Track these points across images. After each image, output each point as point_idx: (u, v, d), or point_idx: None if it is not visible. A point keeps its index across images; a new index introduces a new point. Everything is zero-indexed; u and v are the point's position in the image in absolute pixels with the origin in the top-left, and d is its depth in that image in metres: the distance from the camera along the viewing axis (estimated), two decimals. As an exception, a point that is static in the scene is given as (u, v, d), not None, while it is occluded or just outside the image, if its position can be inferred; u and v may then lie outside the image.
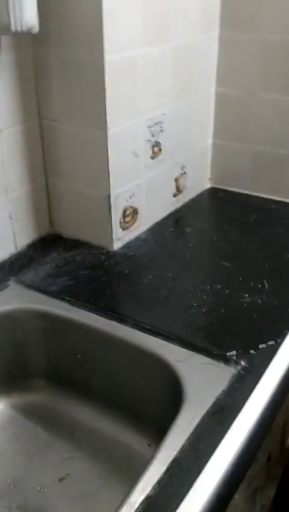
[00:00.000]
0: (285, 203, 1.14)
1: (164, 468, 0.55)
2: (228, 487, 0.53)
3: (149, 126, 0.95)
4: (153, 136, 0.97)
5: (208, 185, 1.23)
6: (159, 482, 0.53)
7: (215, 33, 1.07)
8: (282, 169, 1.12)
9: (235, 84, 1.10)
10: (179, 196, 1.12)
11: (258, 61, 1.05)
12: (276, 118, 1.08)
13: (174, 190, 1.10)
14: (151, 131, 0.96)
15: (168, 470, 0.54)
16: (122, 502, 0.51)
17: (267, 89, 1.07)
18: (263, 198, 1.16)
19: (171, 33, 0.93)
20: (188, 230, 1.05)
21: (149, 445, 0.75)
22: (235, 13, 1.04)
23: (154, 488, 0.53)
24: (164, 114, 0.98)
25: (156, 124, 0.96)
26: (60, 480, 0.74)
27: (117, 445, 0.78)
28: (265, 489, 1.27)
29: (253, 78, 1.07)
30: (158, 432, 0.65)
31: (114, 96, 0.83)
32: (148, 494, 0.52)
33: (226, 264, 0.91)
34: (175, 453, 0.57)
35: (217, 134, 1.17)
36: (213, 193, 1.21)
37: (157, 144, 0.98)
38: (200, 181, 1.20)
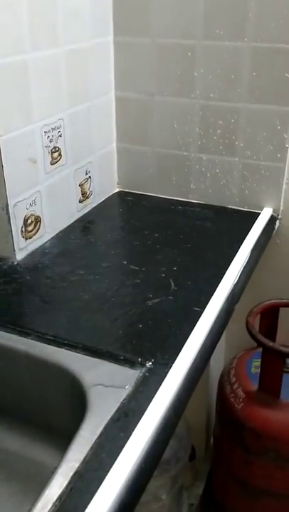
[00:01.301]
0: (191, 203, 1.15)
1: (65, 483, 0.53)
2: (132, 494, 0.52)
3: (46, 132, 0.93)
4: (51, 141, 0.95)
5: (116, 190, 1.22)
6: (60, 498, 0.51)
7: (109, 37, 1.07)
8: (186, 171, 1.13)
9: (134, 88, 1.10)
10: (86, 202, 1.11)
11: (153, 65, 1.06)
12: (175, 120, 1.10)
13: (80, 196, 1.08)
14: (48, 136, 0.93)
15: (69, 484, 0.52)
16: (20, 524, 0.49)
17: (164, 92, 1.08)
18: (171, 200, 1.17)
19: (62, 38, 0.92)
20: (96, 235, 1.04)
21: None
22: (127, 18, 1.05)
23: (54, 505, 0.50)
24: (62, 119, 0.96)
25: (53, 129, 0.94)
26: None
27: (28, 462, 0.75)
28: (193, 487, 1.28)
29: (149, 82, 1.08)
30: (69, 444, 0.62)
31: (4, 102, 0.81)
32: (48, 512, 0.50)
33: (134, 267, 0.91)
34: (77, 465, 0.55)
35: (120, 137, 1.17)
36: (121, 197, 1.21)
37: (56, 150, 0.96)
38: (107, 186, 1.19)
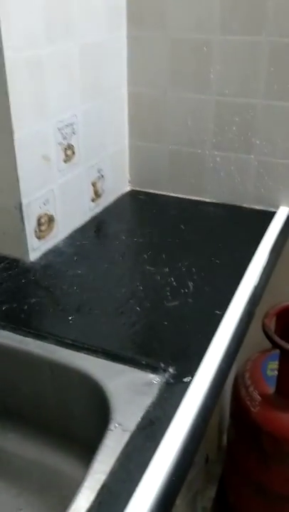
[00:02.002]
0: (205, 202, 1.13)
1: (92, 496, 0.50)
2: (163, 507, 0.50)
3: (59, 129, 0.90)
4: (65, 138, 0.92)
5: (128, 188, 1.20)
6: (88, 511, 0.49)
7: (123, 31, 1.04)
8: (200, 169, 1.11)
9: (147, 84, 1.08)
10: (98, 201, 1.08)
11: (168, 60, 1.04)
12: (189, 117, 1.07)
13: (92, 195, 1.06)
14: (62, 133, 0.91)
15: (97, 497, 0.50)
16: None
17: (178, 88, 1.05)
18: (183, 199, 1.15)
19: (76, 31, 0.89)
20: (109, 236, 1.01)
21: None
22: (141, 12, 1.02)
23: (82, 520, 0.48)
24: (75, 115, 0.94)
25: (67, 126, 0.92)
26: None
27: (47, 470, 0.73)
28: (206, 490, 1.26)
29: (163, 77, 1.06)
30: (90, 454, 0.60)
31: (18, 97, 0.78)
32: (76, 528, 0.48)
33: (151, 268, 0.88)
34: (104, 477, 0.52)
35: (133, 135, 1.15)
36: (133, 195, 1.18)
37: (70, 147, 0.94)
38: (119, 184, 1.17)
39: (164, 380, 0.64)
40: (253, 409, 1.02)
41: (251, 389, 1.05)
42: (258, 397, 1.03)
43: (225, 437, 1.24)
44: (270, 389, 1.03)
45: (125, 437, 0.57)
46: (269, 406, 1.01)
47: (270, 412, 1.00)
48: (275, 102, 0.99)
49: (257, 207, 1.09)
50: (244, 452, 1.09)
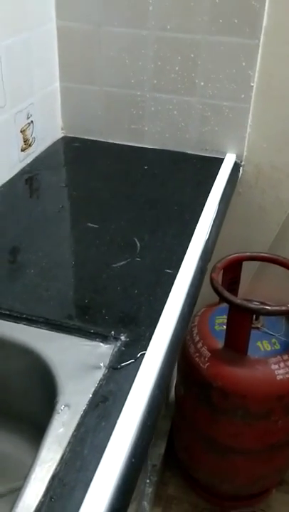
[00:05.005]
0: (146, 149, 1.05)
1: (42, 490, 0.44)
2: (123, 494, 0.45)
3: (-21, 66, 0.78)
4: (-14, 78, 0.80)
5: (60, 135, 1.09)
6: (37, 510, 0.43)
7: None
8: (139, 113, 1.02)
9: (78, 17, 0.95)
10: (28, 150, 0.97)
11: (101, -13, 0.92)
12: (126, 55, 0.97)
13: (22, 144, 0.94)
14: (-18, 71, 0.79)
15: (47, 491, 0.44)
16: None
17: (113, 22, 0.94)
18: (122, 146, 1.06)
19: None
20: (43, 189, 0.91)
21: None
22: None
23: (32, 520, 0.42)
24: (-3, 51, 0.81)
25: (-13, 63, 0.79)
26: None
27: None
28: (154, 448, 1.25)
29: (96, 9, 0.94)
30: (41, 434, 0.53)
31: None
32: (26, 530, 0.41)
33: (92, 225, 0.80)
34: (54, 466, 0.46)
35: (64, 76, 1.03)
36: (67, 143, 1.08)
37: (-7, 88, 0.82)
38: (51, 131, 1.05)
39: (115, 349, 0.58)
40: (202, 365, 0.99)
41: (200, 345, 1.02)
42: (207, 352, 1.00)
43: (172, 394, 1.22)
44: (219, 344, 1.01)
45: (76, 417, 0.50)
46: (218, 361, 0.99)
47: (220, 367, 0.98)
48: (220, 37, 0.91)
49: (202, 154, 1.02)
50: (193, 407, 1.07)
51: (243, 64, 0.92)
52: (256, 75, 0.93)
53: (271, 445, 1.04)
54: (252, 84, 0.93)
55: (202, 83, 0.96)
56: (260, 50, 0.90)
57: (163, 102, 0.99)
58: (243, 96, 0.95)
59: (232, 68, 0.93)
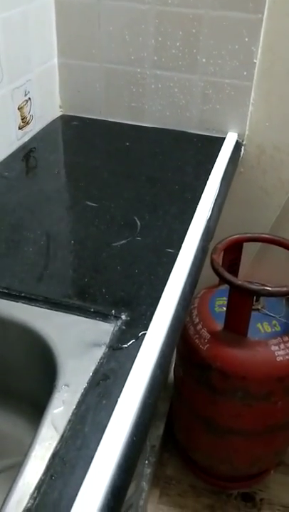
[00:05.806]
0: (146, 128, 1.03)
1: (42, 468, 0.44)
2: (124, 473, 0.44)
3: (-25, 39, 0.75)
4: (-18, 52, 0.77)
5: (59, 113, 1.07)
6: (38, 488, 0.42)
7: None
8: (139, 90, 1.00)
9: (77, -11, 0.93)
10: (26, 128, 0.95)
11: None
12: (127, 30, 0.94)
13: (20, 122, 0.93)
14: (-21, 45, 0.76)
15: (48, 469, 0.43)
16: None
17: (114, -6, 0.92)
18: (122, 125, 1.04)
19: None
20: (41, 168, 0.90)
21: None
22: None
23: (32, 497, 0.41)
24: (-6, 23, 0.79)
25: (-16, 36, 0.77)
26: None
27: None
28: (153, 428, 1.25)
29: (96, -20, 0.91)
30: (40, 414, 0.53)
31: None
32: (26, 507, 0.41)
33: (91, 204, 0.79)
34: (54, 444, 0.45)
35: (62, 51, 1.00)
36: (65, 122, 1.05)
37: (-11, 63, 0.80)
38: (49, 109, 1.03)
39: (116, 328, 0.57)
40: (202, 347, 0.99)
41: (200, 327, 1.01)
42: (207, 334, 0.99)
43: (171, 375, 1.21)
44: (219, 325, 1.00)
45: (77, 396, 0.50)
46: (218, 343, 0.98)
47: (220, 348, 0.98)
48: (223, 12, 0.88)
49: (203, 133, 1.00)
50: (192, 389, 1.07)
51: (246, 40, 0.90)
52: (259, 51, 0.90)
53: (270, 426, 1.04)
54: (255, 60, 0.91)
55: (204, 60, 0.93)
56: (263, 25, 0.88)
57: (164, 79, 0.97)
58: (245, 73, 0.93)
59: (234, 44, 0.90)
